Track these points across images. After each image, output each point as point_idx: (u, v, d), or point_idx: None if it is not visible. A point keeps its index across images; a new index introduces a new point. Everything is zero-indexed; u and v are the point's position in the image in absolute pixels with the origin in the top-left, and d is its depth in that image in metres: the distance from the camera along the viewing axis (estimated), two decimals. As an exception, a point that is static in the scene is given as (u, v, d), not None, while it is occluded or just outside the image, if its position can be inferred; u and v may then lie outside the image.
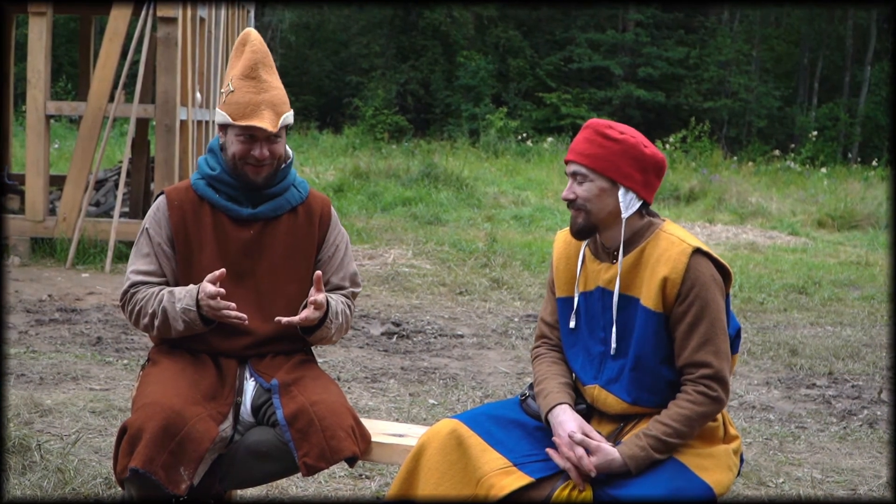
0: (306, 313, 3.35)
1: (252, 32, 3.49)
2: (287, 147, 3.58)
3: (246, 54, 3.43)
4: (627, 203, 3.09)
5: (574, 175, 3.13)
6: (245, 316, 3.30)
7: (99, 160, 9.97)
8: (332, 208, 3.65)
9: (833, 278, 10.59)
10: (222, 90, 3.45)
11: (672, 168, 19.06)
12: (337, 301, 3.49)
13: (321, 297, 3.35)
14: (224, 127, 3.44)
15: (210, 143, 3.55)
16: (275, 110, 3.37)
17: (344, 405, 3.35)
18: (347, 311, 3.54)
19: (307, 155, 21.89)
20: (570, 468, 3.00)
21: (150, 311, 3.39)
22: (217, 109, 3.44)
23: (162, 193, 3.53)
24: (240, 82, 3.39)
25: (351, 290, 3.61)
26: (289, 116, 3.42)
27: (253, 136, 3.38)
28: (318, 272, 3.36)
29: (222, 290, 3.27)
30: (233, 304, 3.28)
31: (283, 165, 3.53)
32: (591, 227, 3.14)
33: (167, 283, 3.47)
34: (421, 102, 32.28)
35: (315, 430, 3.23)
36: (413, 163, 17.69)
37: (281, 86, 3.46)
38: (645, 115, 31.20)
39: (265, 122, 3.34)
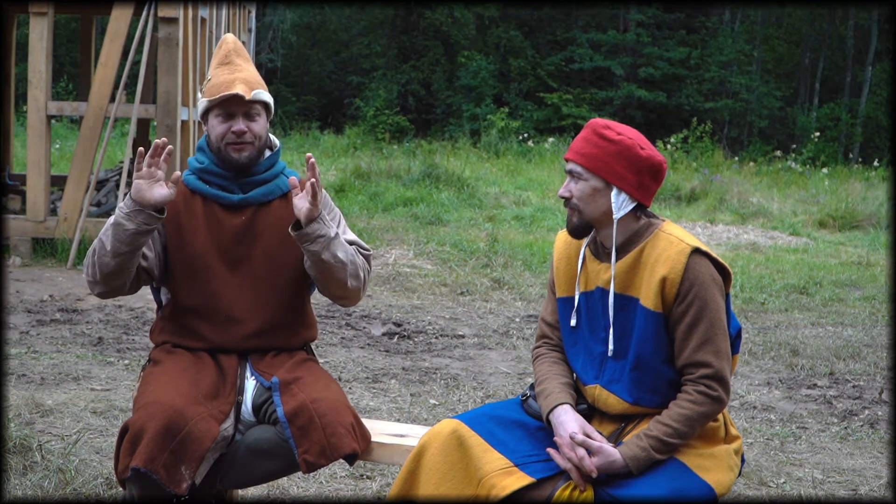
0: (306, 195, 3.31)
1: (227, 35, 3.60)
2: (273, 137, 3.64)
3: (221, 49, 3.54)
4: (620, 204, 3.09)
5: (571, 173, 3.13)
6: (166, 140, 3.28)
7: (100, 160, 9.97)
8: (324, 190, 3.65)
9: (834, 279, 10.59)
10: (202, 86, 3.52)
11: (673, 168, 19.06)
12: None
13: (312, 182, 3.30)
14: (206, 116, 3.50)
15: (198, 142, 3.60)
16: (248, 84, 3.45)
17: (344, 403, 3.35)
18: (353, 253, 3.46)
19: (308, 155, 21.85)
20: (571, 469, 3.00)
21: (91, 247, 3.39)
22: (199, 102, 3.51)
23: None
24: (215, 70, 3.49)
25: (358, 248, 3.57)
26: (263, 93, 3.48)
27: (230, 113, 3.44)
28: (294, 179, 3.34)
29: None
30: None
31: (271, 153, 3.59)
32: (585, 225, 3.15)
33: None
34: (422, 103, 32.29)
35: (315, 428, 3.23)
36: (414, 163, 17.69)
37: (256, 71, 3.55)
38: (646, 115, 31.20)
39: (237, 89, 3.40)
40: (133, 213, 3.26)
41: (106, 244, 3.31)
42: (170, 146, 3.28)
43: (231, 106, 3.44)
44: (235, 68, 3.47)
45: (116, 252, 3.30)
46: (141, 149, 3.26)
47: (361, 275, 3.48)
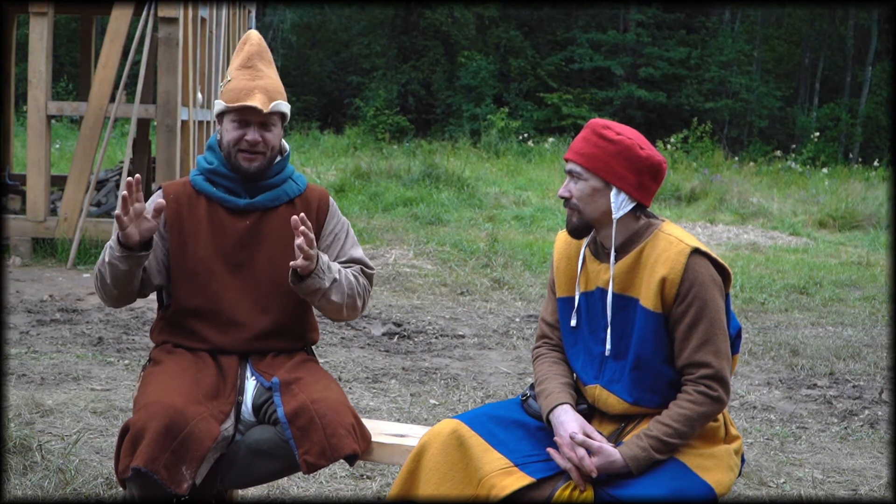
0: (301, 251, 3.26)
1: (253, 32, 3.58)
2: (283, 141, 3.61)
3: (245, 49, 3.52)
4: (619, 204, 3.09)
5: (570, 173, 3.13)
6: (138, 177, 3.21)
7: (100, 160, 9.97)
8: (331, 199, 3.65)
9: (834, 279, 10.59)
10: (221, 84, 3.50)
11: (673, 168, 19.06)
12: (339, 266, 3.47)
13: (301, 243, 3.25)
14: (221, 117, 3.49)
15: (209, 140, 3.59)
16: (267, 95, 3.43)
17: (344, 403, 3.35)
18: (352, 279, 3.47)
19: (308, 155, 21.90)
20: (571, 469, 3.00)
21: (94, 272, 3.42)
22: (215, 101, 3.50)
23: (160, 188, 3.57)
24: (237, 72, 3.47)
25: (362, 267, 3.57)
26: (282, 104, 3.47)
27: (246, 120, 3.44)
28: (295, 217, 3.27)
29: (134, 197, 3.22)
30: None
31: (280, 158, 3.57)
32: (584, 225, 3.15)
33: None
34: (422, 103, 32.30)
35: (316, 428, 3.23)
36: (414, 163, 17.70)
37: (277, 78, 3.53)
38: (646, 115, 31.21)
39: (256, 101, 3.39)
40: (123, 257, 3.28)
41: (105, 276, 3.36)
42: (137, 176, 3.24)
43: (247, 114, 3.43)
44: (257, 74, 3.45)
45: (116, 284, 3.37)
46: (119, 213, 3.20)
47: (359, 303, 3.50)
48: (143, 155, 11.38)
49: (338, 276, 3.41)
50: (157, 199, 3.51)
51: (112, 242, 3.30)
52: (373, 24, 34.10)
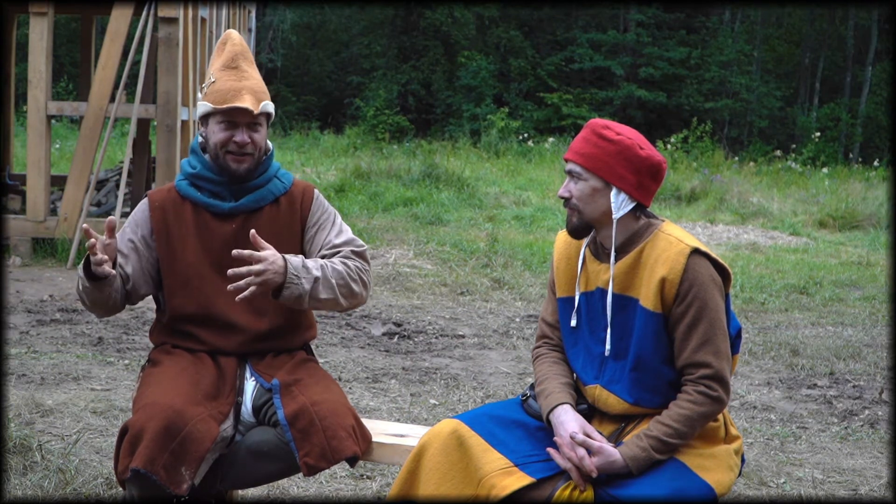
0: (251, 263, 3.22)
1: (233, 32, 3.55)
2: (267, 140, 3.59)
3: (227, 49, 3.48)
4: (619, 204, 3.09)
5: (570, 173, 3.13)
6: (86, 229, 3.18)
7: (100, 160, 9.97)
8: (316, 191, 3.61)
9: (834, 278, 10.59)
10: (203, 85, 3.48)
11: (673, 168, 19.06)
12: (316, 259, 3.39)
13: (253, 253, 3.21)
14: (206, 119, 3.46)
15: (191, 143, 3.57)
16: (255, 95, 3.42)
17: (345, 405, 3.35)
18: (340, 267, 3.39)
19: (308, 155, 21.89)
20: (571, 468, 3.00)
21: (77, 292, 3.44)
22: (199, 103, 3.47)
23: (146, 197, 3.56)
24: (221, 73, 3.44)
25: (351, 249, 3.50)
26: (269, 105, 3.46)
27: (234, 122, 3.41)
28: (253, 230, 3.25)
29: (102, 238, 3.23)
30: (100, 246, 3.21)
31: (265, 157, 3.55)
32: (584, 226, 3.15)
33: (123, 276, 3.46)
34: (422, 103, 32.30)
35: (316, 430, 3.23)
36: (414, 163, 17.69)
37: (260, 78, 3.51)
38: (646, 115, 31.22)
39: (246, 103, 3.37)
40: (95, 286, 3.30)
41: (85, 301, 3.39)
42: (111, 218, 3.24)
43: (236, 116, 3.40)
44: (242, 75, 3.43)
45: (97, 304, 3.39)
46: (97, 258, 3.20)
47: (356, 288, 3.41)
48: (143, 155, 11.38)
49: (319, 274, 3.32)
50: (142, 209, 3.51)
51: (80, 273, 3.30)
52: (373, 24, 34.10)
